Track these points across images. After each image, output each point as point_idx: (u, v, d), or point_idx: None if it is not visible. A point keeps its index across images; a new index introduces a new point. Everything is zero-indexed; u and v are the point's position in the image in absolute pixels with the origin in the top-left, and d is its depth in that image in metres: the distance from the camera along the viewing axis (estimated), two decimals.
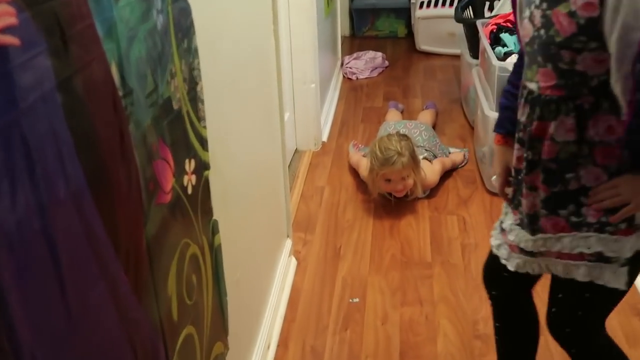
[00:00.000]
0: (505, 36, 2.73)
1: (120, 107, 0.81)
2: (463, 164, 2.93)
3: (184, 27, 1.05)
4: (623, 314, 1.95)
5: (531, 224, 1.30)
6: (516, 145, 1.29)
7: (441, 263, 2.28)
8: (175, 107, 1.02)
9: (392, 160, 2.50)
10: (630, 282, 1.26)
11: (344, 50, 4.60)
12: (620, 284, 1.24)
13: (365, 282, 2.20)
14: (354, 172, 2.91)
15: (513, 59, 2.58)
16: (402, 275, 2.23)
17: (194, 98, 1.11)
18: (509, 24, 2.82)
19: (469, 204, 2.65)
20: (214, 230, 1.26)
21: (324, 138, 3.29)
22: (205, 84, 1.16)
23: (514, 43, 2.67)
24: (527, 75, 1.23)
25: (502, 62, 2.56)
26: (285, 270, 2.14)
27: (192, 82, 1.11)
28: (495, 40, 2.78)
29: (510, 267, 1.37)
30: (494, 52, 2.66)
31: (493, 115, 2.57)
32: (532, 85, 1.22)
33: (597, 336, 1.37)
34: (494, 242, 1.43)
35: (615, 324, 1.89)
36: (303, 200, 2.74)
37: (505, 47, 2.68)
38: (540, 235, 1.29)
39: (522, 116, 1.25)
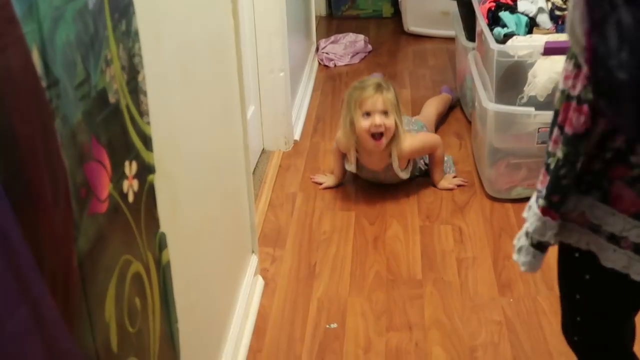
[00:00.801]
0: (505, 15, 2.76)
1: (44, 100, 0.81)
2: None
3: (122, 6, 1.06)
4: None
5: None
6: None
7: (433, 281, 2.30)
8: (112, 100, 1.02)
9: (372, 88, 2.66)
10: (567, 283, 1.35)
11: (320, 33, 4.61)
12: (524, 264, 1.32)
13: (344, 305, 2.21)
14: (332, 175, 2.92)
15: (514, 41, 2.61)
16: (387, 295, 2.24)
17: (135, 89, 1.12)
18: (509, 1, 2.86)
19: (466, 212, 2.68)
20: (162, 245, 1.27)
21: (296, 136, 3.30)
22: (148, 72, 1.17)
23: (515, 23, 2.71)
24: None
25: (502, 45, 2.59)
26: (250, 292, 2.15)
27: (133, 71, 1.11)
28: (494, 20, 2.81)
29: None
30: (492, 34, 2.69)
31: (492, 107, 2.60)
32: None
33: (613, 355, 1.40)
34: None
35: None
36: (271, 209, 2.75)
37: (505, 28, 2.71)
38: None
39: None
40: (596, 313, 1.37)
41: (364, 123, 2.64)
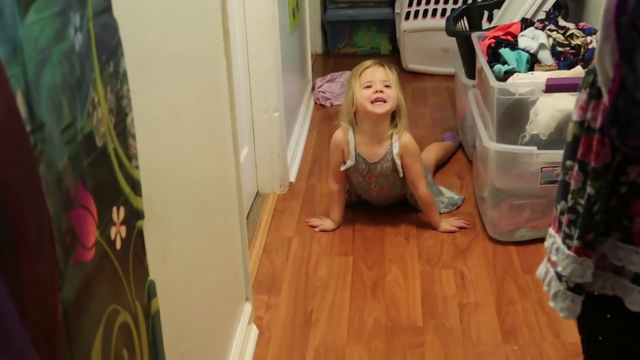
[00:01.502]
0: (505, 52, 2.79)
1: (28, 145, 0.82)
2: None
3: (110, 48, 1.07)
4: None
5: None
6: None
7: (435, 328, 2.29)
8: (99, 143, 1.02)
9: (372, 61, 2.82)
10: (588, 324, 1.32)
11: (316, 72, 4.65)
12: (563, 310, 1.30)
13: (342, 354, 2.19)
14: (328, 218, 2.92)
15: (515, 78, 2.64)
16: (387, 344, 2.23)
17: (123, 132, 1.12)
18: (509, 37, 2.89)
19: (468, 255, 2.68)
20: (151, 294, 1.26)
21: (292, 178, 3.31)
22: (137, 115, 1.18)
23: (516, 60, 2.73)
24: None
25: (502, 83, 2.61)
26: (243, 342, 2.14)
27: (121, 114, 1.12)
28: (494, 57, 2.84)
29: None
30: (492, 71, 2.72)
31: (494, 146, 2.61)
32: None
33: None
34: None
35: None
36: (266, 254, 2.74)
37: (506, 65, 2.73)
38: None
39: None
40: (623, 355, 1.36)
41: (364, 92, 2.72)
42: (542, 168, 2.56)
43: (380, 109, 2.71)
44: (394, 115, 2.78)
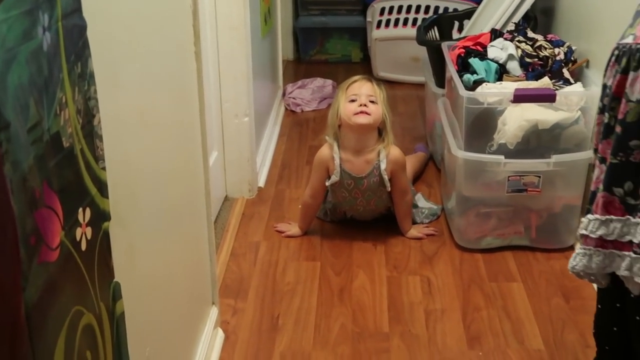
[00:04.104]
0: (474, 61, 2.81)
1: None
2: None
3: (78, 48, 1.06)
4: None
5: (590, 202, 1.42)
6: (596, 119, 1.42)
7: (401, 334, 2.30)
8: (66, 144, 1.02)
9: (361, 76, 2.80)
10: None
11: (287, 77, 4.65)
12: None
13: (308, 359, 2.19)
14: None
15: (484, 88, 2.66)
16: (353, 349, 2.23)
17: (90, 133, 1.12)
18: (479, 47, 2.91)
19: (435, 262, 2.69)
20: (116, 296, 1.26)
21: (261, 183, 3.31)
22: (104, 116, 1.17)
23: (485, 70, 2.75)
24: (625, 34, 1.35)
25: (471, 92, 2.63)
26: (209, 346, 2.13)
27: (88, 115, 1.11)
28: (464, 67, 2.86)
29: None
30: (461, 80, 2.74)
31: (462, 155, 2.63)
32: (628, 39, 1.33)
33: None
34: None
35: None
36: (233, 258, 2.74)
37: (475, 75, 2.75)
38: (588, 217, 1.40)
39: (608, 79, 1.38)
40: (635, 326, 1.40)
41: (349, 106, 2.68)
42: (509, 177, 2.58)
43: (362, 119, 2.66)
44: (380, 132, 2.75)
